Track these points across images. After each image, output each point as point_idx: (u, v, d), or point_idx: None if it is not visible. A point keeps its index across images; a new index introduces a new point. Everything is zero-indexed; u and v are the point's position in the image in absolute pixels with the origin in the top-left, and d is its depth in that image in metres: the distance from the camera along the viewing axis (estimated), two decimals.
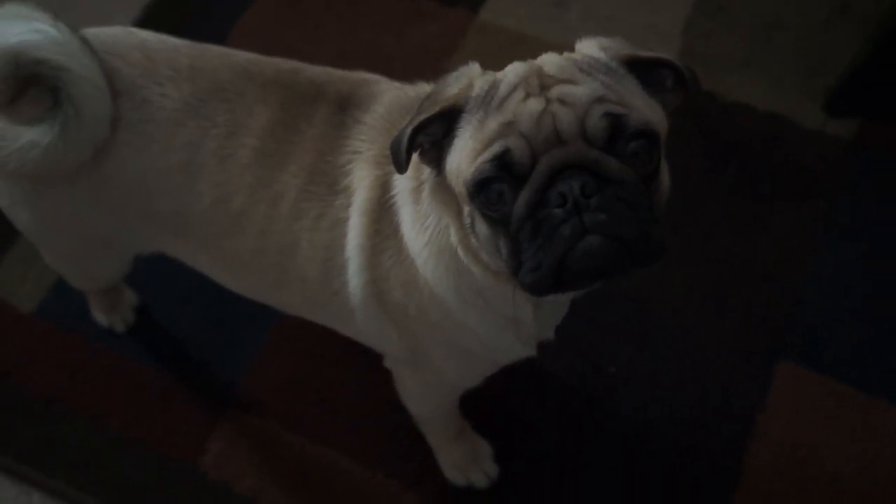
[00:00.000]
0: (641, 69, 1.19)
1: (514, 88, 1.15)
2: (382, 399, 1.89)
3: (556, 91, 1.13)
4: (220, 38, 2.35)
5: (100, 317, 1.99)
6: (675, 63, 1.19)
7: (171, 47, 1.43)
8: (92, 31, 1.43)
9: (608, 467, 1.87)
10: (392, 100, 1.40)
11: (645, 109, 1.16)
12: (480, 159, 1.13)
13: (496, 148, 1.12)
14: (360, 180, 1.36)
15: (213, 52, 1.44)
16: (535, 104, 1.13)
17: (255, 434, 1.90)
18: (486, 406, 1.89)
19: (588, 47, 1.22)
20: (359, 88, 1.42)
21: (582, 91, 1.12)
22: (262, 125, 1.37)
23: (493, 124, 1.14)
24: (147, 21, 2.40)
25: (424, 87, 1.42)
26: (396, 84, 1.44)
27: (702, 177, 2.15)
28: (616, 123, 1.11)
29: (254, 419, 1.91)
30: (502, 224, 1.15)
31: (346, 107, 1.39)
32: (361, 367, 1.95)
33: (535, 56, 2.54)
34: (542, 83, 1.15)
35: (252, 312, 1.99)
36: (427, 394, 1.67)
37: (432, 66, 2.31)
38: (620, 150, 1.12)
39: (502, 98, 1.15)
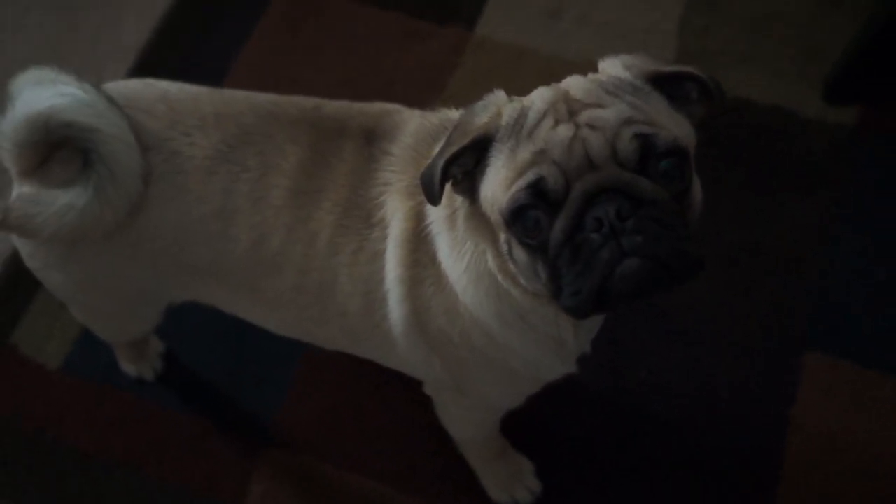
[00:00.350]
0: (666, 84, 1.20)
1: (543, 115, 1.16)
2: (421, 423, 1.90)
3: (584, 116, 1.15)
4: (220, 75, 2.35)
5: (128, 367, 1.98)
6: (699, 75, 1.20)
7: (194, 96, 1.43)
8: (112, 87, 1.43)
9: (648, 472, 1.88)
10: (417, 129, 1.41)
11: (673, 126, 1.17)
12: (515, 188, 1.14)
13: (530, 176, 1.13)
14: (394, 212, 1.37)
15: (236, 97, 1.44)
16: (564, 131, 1.14)
17: (297, 470, 1.90)
18: (520, 422, 1.90)
19: (612, 67, 1.23)
20: (381, 120, 1.43)
21: (610, 114, 1.14)
22: (293, 164, 1.38)
23: (524, 153, 1.15)
24: (143, 68, 2.38)
25: (447, 114, 1.43)
26: (418, 112, 1.45)
27: (712, 176, 2.17)
28: (646, 144, 1.12)
29: (293, 455, 1.91)
30: (540, 250, 1.16)
31: (372, 139, 1.40)
32: (394, 392, 1.95)
33: (535, 68, 2.53)
34: (570, 108, 1.16)
35: (280, 349, 1.99)
36: (470, 417, 1.67)
37: (434, 86, 2.32)
38: (652, 170, 1.14)
39: (532, 126, 1.16)
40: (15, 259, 2.04)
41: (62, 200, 1.31)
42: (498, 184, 1.17)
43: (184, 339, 2.04)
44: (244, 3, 2.47)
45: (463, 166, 1.21)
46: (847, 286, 2.02)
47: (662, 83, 1.20)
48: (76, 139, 1.31)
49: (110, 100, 1.34)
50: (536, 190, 1.13)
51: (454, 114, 1.43)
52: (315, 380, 1.99)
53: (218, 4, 2.48)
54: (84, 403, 1.97)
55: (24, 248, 1.48)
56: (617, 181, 1.12)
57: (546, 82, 2.53)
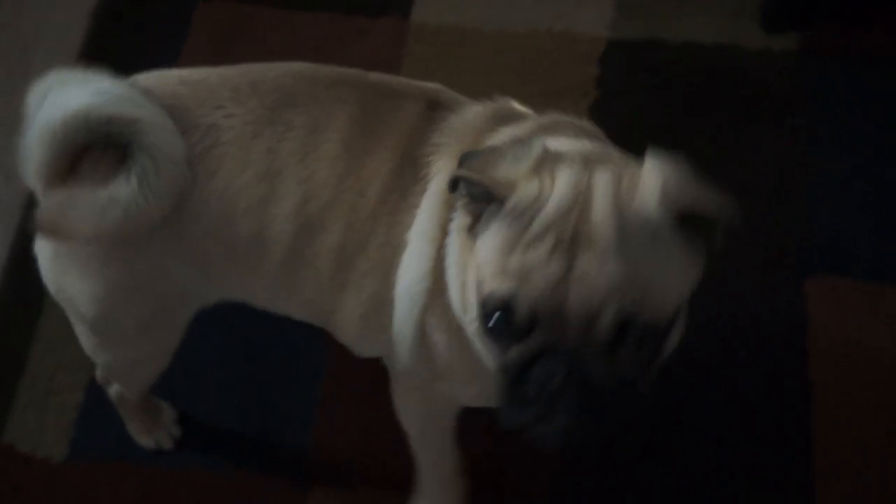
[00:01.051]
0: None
1: (549, 226, 1.10)
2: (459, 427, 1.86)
3: (581, 261, 1.08)
4: None
5: (144, 440, 1.85)
6: (728, 217, 1.16)
7: (218, 74, 1.39)
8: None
9: (682, 427, 1.89)
10: (478, 110, 1.38)
11: (673, 286, 1.13)
12: (490, 288, 1.12)
13: (505, 291, 1.10)
14: (439, 171, 1.33)
15: (264, 67, 1.40)
16: (556, 267, 1.08)
17: (348, 499, 1.83)
18: None
19: (650, 188, 1.12)
20: (440, 93, 1.41)
21: (602, 281, 1.07)
22: (344, 120, 1.34)
23: (516, 259, 1.10)
24: None
25: (506, 103, 1.42)
26: (465, 98, 1.43)
27: (675, 125, 2.19)
28: (625, 322, 1.09)
29: (343, 489, 1.83)
30: (496, 345, 1.17)
31: (435, 107, 1.37)
32: None
33: (481, 46, 2.44)
34: (576, 233, 1.09)
35: (296, 378, 1.91)
36: (428, 409, 1.62)
37: None
38: (628, 338, 1.10)
39: (536, 232, 1.10)
40: None
41: (103, 196, 1.26)
42: (488, 259, 1.14)
43: (193, 395, 1.92)
44: (162, 34, 2.31)
45: (473, 195, 1.17)
46: (830, 205, 2.08)
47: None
48: (115, 134, 1.26)
49: (144, 90, 1.30)
50: (506, 306, 1.11)
51: (515, 104, 1.42)
52: (341, 400, 1.91)
53: (133, 39, 2.32)
54: (104, 487, 1.82)
55: (48, 255, 1.39)
56: (578, 352, 1.10)
57: (495, 59, 2.46)
